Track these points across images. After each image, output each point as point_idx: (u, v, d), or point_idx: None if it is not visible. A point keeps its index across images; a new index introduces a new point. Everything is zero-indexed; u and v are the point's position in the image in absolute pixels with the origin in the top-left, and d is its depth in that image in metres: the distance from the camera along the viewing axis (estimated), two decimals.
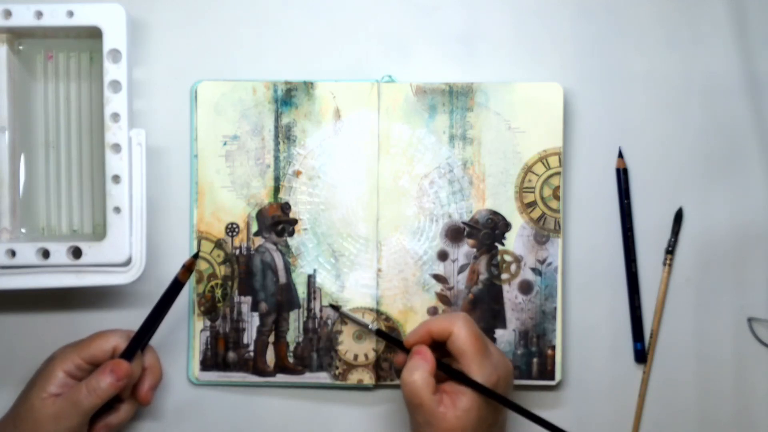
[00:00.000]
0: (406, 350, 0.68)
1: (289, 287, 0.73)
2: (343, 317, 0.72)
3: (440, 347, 0.67)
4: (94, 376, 0.65)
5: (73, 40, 0.71)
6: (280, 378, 0.73)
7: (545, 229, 0.73)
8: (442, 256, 0.73)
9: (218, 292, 0.73)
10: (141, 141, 0.69)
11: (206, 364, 0.73)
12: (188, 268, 0.68)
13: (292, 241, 0.73)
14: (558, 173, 0.73)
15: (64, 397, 0.65)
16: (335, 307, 0.72)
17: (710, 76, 0.74)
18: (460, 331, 0.65)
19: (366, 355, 0.73)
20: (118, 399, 0.68)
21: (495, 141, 0.73)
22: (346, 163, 0.73)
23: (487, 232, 0.73)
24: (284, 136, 0.73)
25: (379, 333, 0.70)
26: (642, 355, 0.74)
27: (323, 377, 0.73)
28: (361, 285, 0.73)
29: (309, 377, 0.73)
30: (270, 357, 0.73)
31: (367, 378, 0.73)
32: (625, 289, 0.74)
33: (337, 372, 0.73)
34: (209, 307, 0.73)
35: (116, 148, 0.68)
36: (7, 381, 0.73)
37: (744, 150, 0.74)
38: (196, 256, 0.70)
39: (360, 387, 0.74)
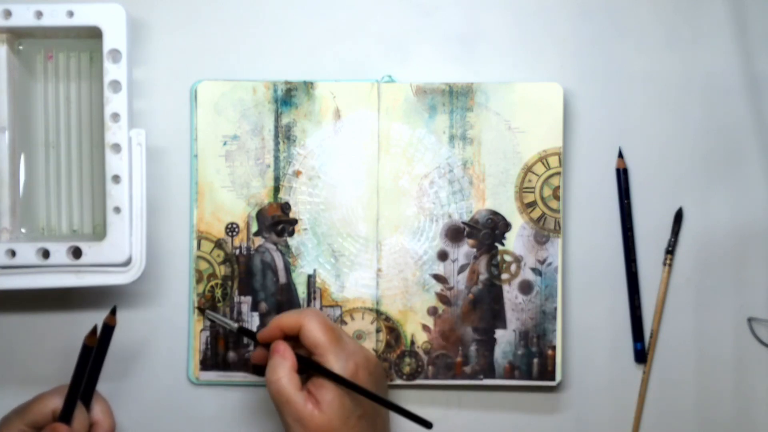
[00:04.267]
0: (264, 345, 0.68)
1: (289, 287, 0.73)
2: (209, 318, 0.72)
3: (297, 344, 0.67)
4: None
5: (73, 40, 0.71)
6: None
7: (545, 229, 0.73)
8: (442, 256, 0.73)
9: (218, 292, 0.73)
10: (141, 141, 0.69)
11: (206, 364, 0.73)
12: (94, 332, 0.66)
13: (292, 241, 0.73)
14: (558, 173, 0.73)
15: None
16: (201, 309, 0.72)
17: (710, 76, 0.74)
18: (311, 323, 0.66)
19: None
20: None
21: (495, 141, 0.73)
22: (346, 163, 0.73)
23: (487, 232, 0.73)
24: (284, 136, 0.73)
25: (240, 330, 0.70)
26: (642, 355, 0.74)
27: None
28: (361, 285, 0.73)
29: None
30: None
31: None
32: (625, 289, 0.74)
33: None
34: (209, 307, 0.73)
35: (116, 148, 0.68)
36: (7, 381, 0.73)
37: (744, 150, 0.74)
38: (113, 312, 0.68)
39: None
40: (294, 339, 0.67)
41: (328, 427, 0.64)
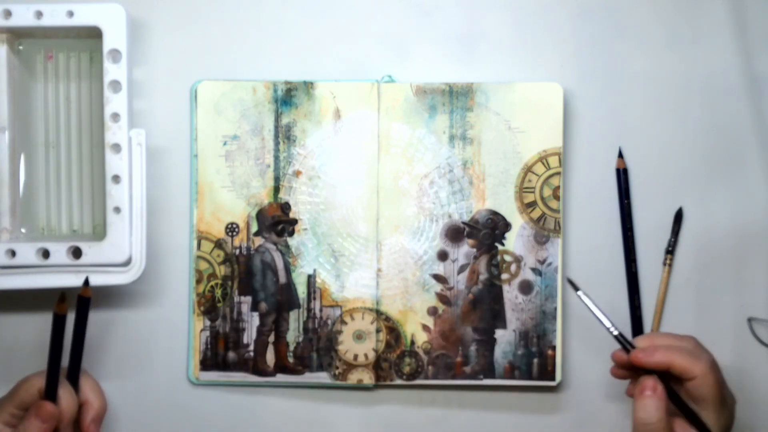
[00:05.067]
0: (629, 348, 0.65)
1: (289, 287, 0.73)
2: (590, 309, 0.67)
3: (667, 376, 0.64)
4: (23, 423, 0.65)
5: (73, 40, 0.71)
6: (280, 378, 0.73)
7: (545, 229, 0.73)
8: (442, 256, 0.73)
9: (218, 292, 0.73)
10: (141, 141, 0.69)
11: (206, 364, 0.73)
12: (63, 299, 0.66)
13: (292, 241, 0.73)
14: (558, 173, 0.73)
15: None
16: (572, 283, 0.67)
17: (710, 76, 0.74)
18: (707, 378, 0.62)
19: (366, 355, 0.73)
20: None
21: (495, 141, 0.73)
22: (346, 163, 0.73)
23: (487, 232, 0.73)
24: (284, 136, 0.73)
25: (622, 337, 0.66)
26: None
27: (323, 377, 0.73)
28: (361, 285, 0.73)
29: (309, 377, 0.73)
30: (270, 357, 0.73)
31: (367, 378, 0.73)
32: (625, 289, 0.74)
33: (336, 372, 0.73)
34: (209, 307, 0.73)
35: (116, 148, 0.68)
36: (8, 381, 0.73)
37: (744, 150, 0.74)
38: (86, 283, 0.66)
39: (360, 387, 0.74)
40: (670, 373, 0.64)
41: None
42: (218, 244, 0.73)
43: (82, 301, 0.67)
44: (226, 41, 0.74)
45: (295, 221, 0.73)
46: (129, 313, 0.73)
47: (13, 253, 0.68)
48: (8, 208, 0.70)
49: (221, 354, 0.73)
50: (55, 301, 0.72)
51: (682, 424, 0.64)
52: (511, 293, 0.73)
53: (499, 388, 0.74)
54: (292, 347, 0.73)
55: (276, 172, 0.73)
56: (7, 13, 0.68)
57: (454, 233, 0.73)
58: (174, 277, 0.73)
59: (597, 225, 0.74)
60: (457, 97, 0.73)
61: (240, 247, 0.73)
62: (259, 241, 0.73)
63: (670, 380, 0.64)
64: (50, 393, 0.65)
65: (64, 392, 0.66)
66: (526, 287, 0.73)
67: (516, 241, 0.73)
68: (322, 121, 0.73)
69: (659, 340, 0.66)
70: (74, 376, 0.67)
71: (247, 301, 0.73)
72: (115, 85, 0.68)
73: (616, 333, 0.66)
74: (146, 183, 0.69)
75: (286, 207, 0.73)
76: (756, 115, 0.74)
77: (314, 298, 0.73)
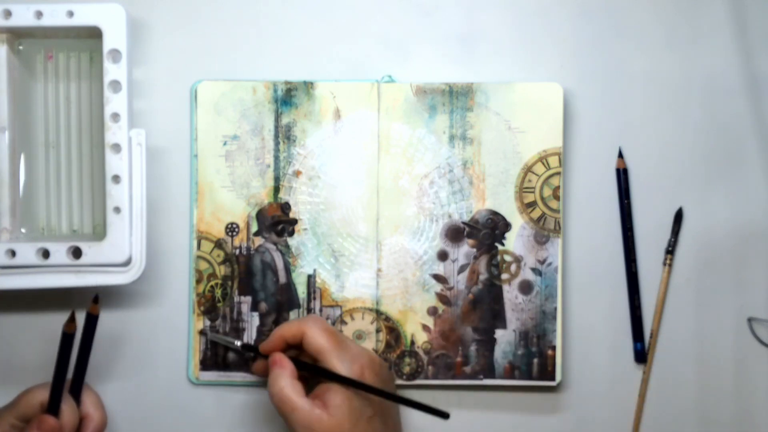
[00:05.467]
0: (265, 357, 0.68)
1: (289, 287, 0.73)
2: (212, 341, 0.72)
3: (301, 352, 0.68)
4: None
5: (73, 40, 0.71)
6: None
7: (545, 229, 0.73)
8: (442, 256, 0.73)
9: (218, 292, 0.73)
10: (141, 141, 0.69)
11: (206, 364, 0.73)
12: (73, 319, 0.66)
13: (292, 241, 0.73)
14: (558, 173, 0.73)
15: None
16: (203, 333, 0.72)
17: (710, 76, 0.74)
18: (312, 329, 0.66)
19: None
20: None
21: (495, 141, 0.73)
22: (346, 163, 0.73)
23: (487, 232, 0.73)
24: (284, 136, 0.73)
25: (244, 347, 0.71)
26: (642, 355, 0.74)
27: None
28: (361, 285, 0.73)
29: None
30: None
31: None
32: (625, 289, 0.74)
33: None
34: (209, 307, 0.73)
35: (116, 148, 0.68)
36: (7, 381, 0.73)
37: (744, 150, 0.74)
38: (96, 300, 0.67)
39: None
40: (298, 348, 0.67)
41: (338, 430, 0.64)
42: (218, 244, 0.73)
43: (90, 318, 0.66)
44: (226, 41, 0.74)
45: (295, 221, 0.73)
46: (129, 313, 0.73)
47: (13, 253, 0.68)
48: (8, 208, 0.70)
49: (221, 354, 0.73)
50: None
51: (318, 388, 0.66)
52: (511, 293, 0.73)
53: (499, 388, 0.74)
54: None
55: (276, 172, 0.73)
56: (7, 13, 0.68)
57: (454, 233, 0.73)
58: (174, 277, 0.73)
59: (597, 225, 0.74)
60: (457, 97, 0.73)
61: (240, 247, 0.73)
62: (259, 241, 0.73)
63: (302, 355, 0.67)
64: (53, 407, 0.65)
65: (66, 406, 0.66)
66: (526, 287, 0.73)
67: (516, 241, 0.73)
68: (322, 121, 0.73)
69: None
70: (77, 390, 0.67)
71: (247, 301, 0.73)
72: (115, 85, 0.68)
73: (238, 344, 0.71)
74: (146, 183, 0.69)
75: (286, 207, 0.73)
76: (756, 115, 0.74)
77: (314, 298, 0.73)
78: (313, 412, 0.64)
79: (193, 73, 0.73)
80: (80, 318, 0.66)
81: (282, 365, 0.66)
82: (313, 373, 0.66)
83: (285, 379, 0.65)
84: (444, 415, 0.66)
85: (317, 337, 0.66)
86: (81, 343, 0.67)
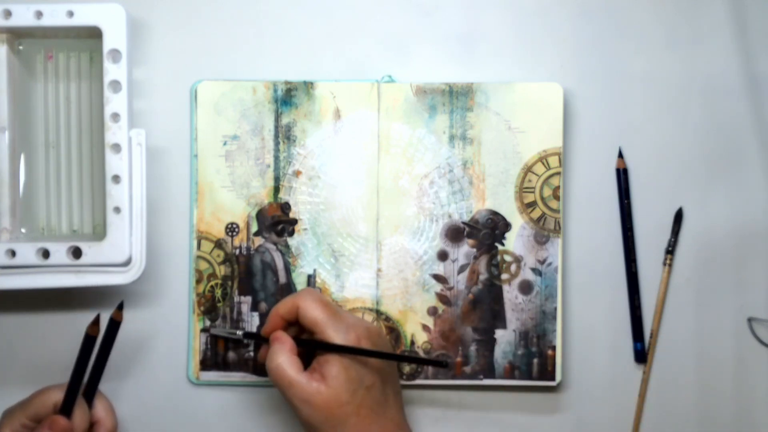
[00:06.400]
0: (267, 341, 0.68)
1: (289, 287, 0.73)
2: (214, 336, 0.72)
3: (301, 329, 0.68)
4: None
5: (73, 40, 0.71)
6: None
7: (545, 229, 0.73)
8: (442, 256, 0.73)
9: (218, 292, 0.73)
10: (141, 141, 0.69)
11: (206, 364, 0.73)
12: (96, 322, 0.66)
13: (292, 241, 0.73)
14: (558, 173, 0.73)
15: None
16: (206, 330, 0.72)
17: (710, 76, 0.74)
18: (305, 302, 0.66)
19: None
20: None
21: (495, 141, 0.73)
22: (346, 163, 0.73)
23: (487, 232, 0.73)
24: (284, 136, 0.73)
25: (246, 335, 0.71)
26: (642, 355, 0.74)
27: None
28: (361, 285, 0.73)
29: None
30: None
31: None
32: (625, 289, 0.74)
33: None
34: (209, 307, 0.73)
35: (116, 148, 0.68)
36: (7, 381, 0.73)
37: (744, 150, 0.74)
38: (120, 307, 0.67)
39: None
40: (297, 325, 0.68)
41: (336, 401, 0.64)
42: (218, 244, 0.73)
43: (113, 324, 0.66)
44: (226, 41, 0.74)
45: (295, 221, 0.73)
46: (129, 313, 0.73)
47: (13, 253, 0.68)
48: (8, 208, 0.70)
49: (221, 354, 0.73)
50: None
51: (315, 361, 0.66)
52: (511, 293, 0.73)
53: (499, 388, 0.74)
54: None
55: (276, 172, 0.73)
56: (7, 13, 0.68)
57: (454, 233, 0.73)
58: (174, 277, 0.73)
59: (597, 225, 0.74)
60: (457, 97, 0.73)
61: (240, 247, 0.73)
62: (259, 241, 0.73)
63: (303, 333, 0.68)
64: (66, 408, 0.65)
65: (79, 409, 0.66)
66: (526, 287, 0.73)
67: (516, 241, 0.73)
68: (322, 121, 0.73)
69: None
70: (90, 394, 0.67)
71: (247, 301, 0.73)
72: (115, 85, 0.68)
73: (240, 334, 0.70)
74: (146, 183, 0.69)
75: (286, 207, 0.73)
76: (756, 115, 0.74)
77: None
78: (310, 385, 0.64)
79: (193, 73, 0.73)
80: (81, 320, 0.66)
81: (281, 340, 0.66)
82: (311, 347, 0.67)
83: (283, 354, 0.65)
84: (443, 365, 0.69)
85: (311, 309, 0.66)
86: (100, 348, 0.67)
